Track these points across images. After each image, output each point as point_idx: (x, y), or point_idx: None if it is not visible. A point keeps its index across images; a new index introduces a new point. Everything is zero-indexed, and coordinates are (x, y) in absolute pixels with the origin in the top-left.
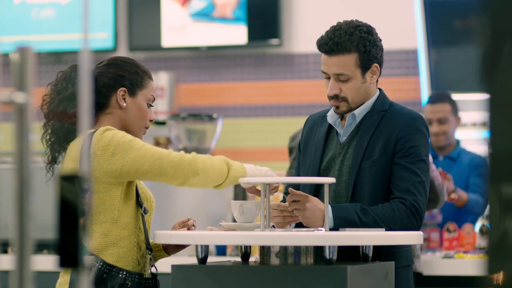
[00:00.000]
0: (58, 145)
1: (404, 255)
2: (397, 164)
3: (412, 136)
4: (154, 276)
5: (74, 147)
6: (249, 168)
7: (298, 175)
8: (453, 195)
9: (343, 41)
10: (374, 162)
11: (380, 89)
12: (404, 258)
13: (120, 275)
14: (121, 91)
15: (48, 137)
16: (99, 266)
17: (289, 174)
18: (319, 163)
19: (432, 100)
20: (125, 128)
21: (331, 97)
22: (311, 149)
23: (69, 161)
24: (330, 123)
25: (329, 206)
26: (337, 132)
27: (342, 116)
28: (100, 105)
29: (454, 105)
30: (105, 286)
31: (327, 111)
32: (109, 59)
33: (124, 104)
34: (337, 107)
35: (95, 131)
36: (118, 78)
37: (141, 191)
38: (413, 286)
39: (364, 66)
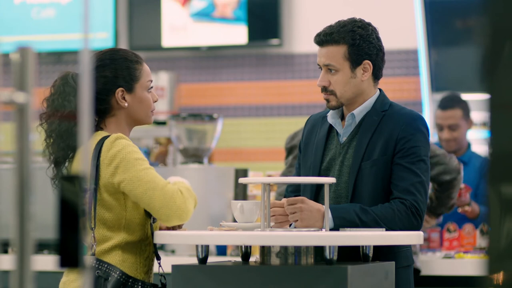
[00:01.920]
0: (62, 159)
1: (404, 255)
2: (397, 165)
3: (412, 136)
4: (163, 285)
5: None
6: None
7: (299, 175)
8: (467, 208)
9: (333, 32)
10: (374, 162)
11: (380, 90)
12: (405, 258)
13: (136, 286)
14: (119, 92)
15: (50, 152)
16: (118, 277)
17: (285, 174)
18: (320, 163)
19: (443, 106)
20: (134, 121)
21: (321, 90)
22: (311, 149)
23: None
24: (330, 123)
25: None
26: (337, 132)
27: (342, 116)
28: (103, 110)
29: (465, 109)
30: None
31: (328, 111)
32: (95, 59)
33: (126, 104)
34: (327, 101)
35: (106, 137)
36: (112, 81)
37: None
38: (413, 286)
39: (354, 60)
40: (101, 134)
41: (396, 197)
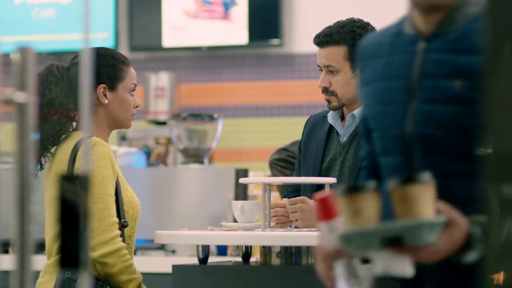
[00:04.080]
0: (42, 150)
1: None
2: None
3: None
4: None
5: (63, 150)
6: None
7: (299, 175)
8: None
9: (333, 33)
10: None
11: None
12: None
13: None
14: (100, 88)
15: None
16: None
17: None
18: (320, 163)
19: None
20: (113, 121)
21: (322, 91)
22: (312, 149)
23: (58, 164)
24: (331, 123)
25: None
26: (337, 132)
27: (342, 116)
28: None
29: None
30: None
31: (328, 111)
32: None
33: (106, 101)
34: (328, 102)
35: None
36: (95, 75)
37: (127, 199)
38: None
39: (354, 60)
40: (80, 135)
41: None
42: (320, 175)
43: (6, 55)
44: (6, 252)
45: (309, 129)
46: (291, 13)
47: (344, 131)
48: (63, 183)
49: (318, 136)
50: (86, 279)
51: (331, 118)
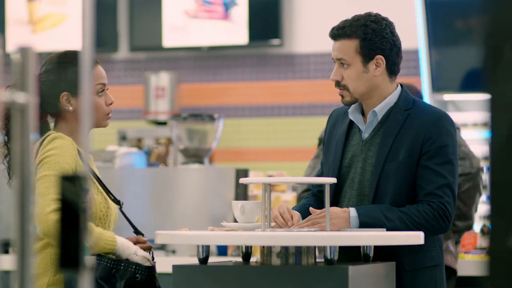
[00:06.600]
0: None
1: (429, 255)
2: (424, 167)
3: (438, 137)
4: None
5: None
6: (119, 243)
7: (322, 171)
8: None
9: (346, 26)
10: (399, 164)
11: (401, 85)
12: (429, 258)
13: (130, 269)
14: (63, 96)
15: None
16: (106, 263)
17: (310, 165)
18: (340, 160)
19: None
20: None
21: (335, 85)
22: (333, 145)
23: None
24: (352, 119)
25: (352, 208)
26: (359, 128)
27: (362, 112)
28: (55, 113)
29: None
30: (115, 280)
31: (349, 107)
32: (49, 59)
33: (71, 108)
34: (342, 97)
35: (47, 136)
36: (55, 85)
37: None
38: (443, 286)
39: (365, 55)
40: (48, 133)
41: (423, 200)
42: (340, 171)
43: (7, 55)
44: (6, 252)
45: (332, 123)
46: (291, 13)
47: (366, 127)
48: (63, 183)
49: (339, 132)
50: (86, 278)
51: (352, 114)
